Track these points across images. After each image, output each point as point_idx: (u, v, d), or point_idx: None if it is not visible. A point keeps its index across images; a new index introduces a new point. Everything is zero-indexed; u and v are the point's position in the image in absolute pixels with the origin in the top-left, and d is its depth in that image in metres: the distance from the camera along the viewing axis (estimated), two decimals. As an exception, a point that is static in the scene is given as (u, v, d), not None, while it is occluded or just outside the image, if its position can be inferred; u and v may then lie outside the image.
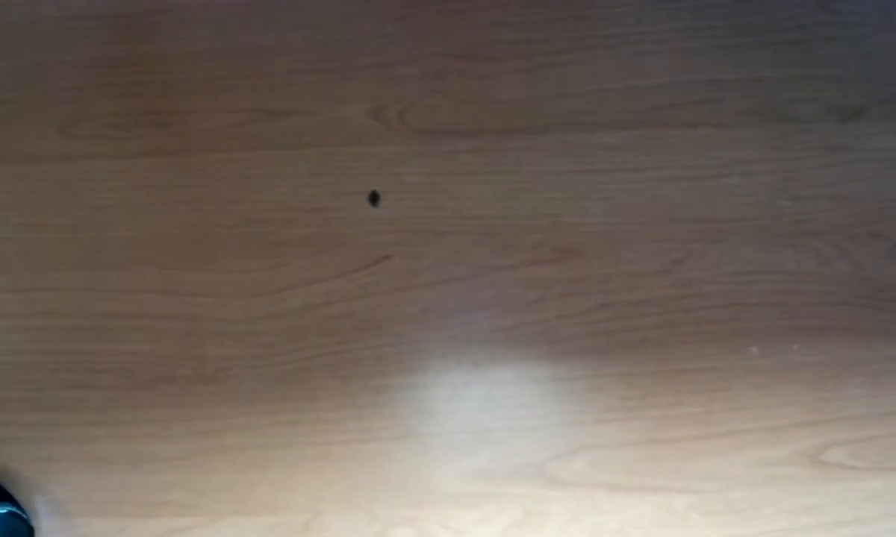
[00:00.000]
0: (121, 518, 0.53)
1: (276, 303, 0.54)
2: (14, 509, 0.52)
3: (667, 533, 0.53)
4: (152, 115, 0.56)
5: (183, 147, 0.56)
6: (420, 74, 0.56)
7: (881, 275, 0.55)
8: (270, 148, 0.56)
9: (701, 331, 0.54)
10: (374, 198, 0.55)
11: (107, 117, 0.56)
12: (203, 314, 0.55)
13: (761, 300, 0.54)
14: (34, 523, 0.53)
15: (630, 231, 0.55)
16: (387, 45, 0.56)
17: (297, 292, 0.55)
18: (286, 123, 0.56)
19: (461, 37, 0.56)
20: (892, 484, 0.53)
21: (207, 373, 0.54)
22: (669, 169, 0.55)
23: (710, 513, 0.53)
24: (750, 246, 0.55)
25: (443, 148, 0.56)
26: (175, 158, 0.56)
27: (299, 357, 0.54)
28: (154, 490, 0.54)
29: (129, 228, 0.55)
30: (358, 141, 0.56)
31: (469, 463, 0.53)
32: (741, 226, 0.55)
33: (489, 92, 0.56)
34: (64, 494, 0.54)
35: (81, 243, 0.56)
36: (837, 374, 0.54)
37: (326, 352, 0.54)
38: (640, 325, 0.54)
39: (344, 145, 0.56)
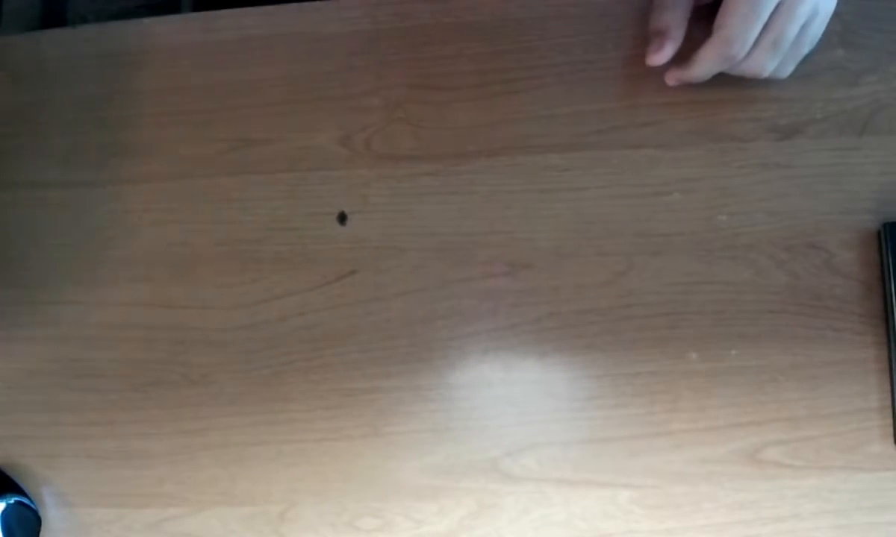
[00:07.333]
0: (118, 508, 0.59)
1: (254, 315, 0.60)
2: (22, 499, 0.58)
3: (610, 525, 0.56)
4: (144, 145, 0.62)
5: (171, 174, 0.62)
6: (383, 104, 0.61)
7: (817, 284, 0.57)
8: (249, 173, 0.61)
9: (643, 337, 0.57)
10: (342, 218, 0.60)
11: (106, 148, 0.63)
12: (189, 324, 0.60)
13: (700, 309, 0.57)
14: (41, 512, 0.59)
15: (577, 245, 0.59)
16: (353, 78, 0.62)
17: (273, 304, 0.60)
18: (263, 151, 0.62)
19: (420, 68, 0.61)
20: (828, 481, 0.55)
21: (193, 378, 0.59)
22: (614, 187, 0.59)
23: (652, 507, 0.56)
24: (689, 258, 0.58)
25: (404, 171, 0.60)
26: (164, 184, 0.62)
27: (275, 363, 0.59)
28: (147, 483, 0.59)
29: (125, 248, 0.61)
30: (328, 166, 0.61)
31: (429, 459, 0.58)
32: (681, 239, 0.58)
33: (447, 118, 0.61)
34: (67, 486, 0.59)
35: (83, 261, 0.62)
36: (774, 378, 0.57)
37: (299, 359, 0.59)
38: (586, 332, 0.58)
39: (315, 170, 0.61)
